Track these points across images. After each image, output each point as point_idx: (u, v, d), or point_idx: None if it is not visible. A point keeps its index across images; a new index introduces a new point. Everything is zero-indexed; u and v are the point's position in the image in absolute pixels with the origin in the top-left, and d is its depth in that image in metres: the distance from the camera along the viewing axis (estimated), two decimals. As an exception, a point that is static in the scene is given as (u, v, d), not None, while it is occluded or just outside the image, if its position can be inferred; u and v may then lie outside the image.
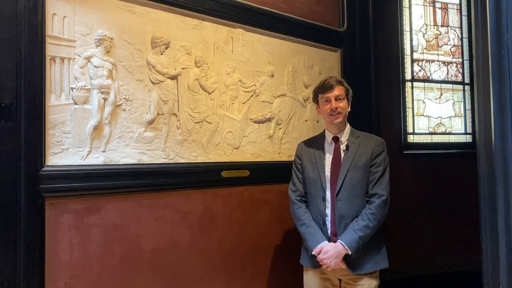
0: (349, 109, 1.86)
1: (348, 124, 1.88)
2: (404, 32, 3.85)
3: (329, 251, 1.66)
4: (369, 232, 1.67)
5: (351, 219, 1.71)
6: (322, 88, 1.81)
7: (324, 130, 1.91)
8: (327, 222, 1.76)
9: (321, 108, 1.85)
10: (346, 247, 1.65)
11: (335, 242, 1.72)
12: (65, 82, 1.63)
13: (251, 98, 2.27)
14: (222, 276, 2.08)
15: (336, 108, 1.77)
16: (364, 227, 1.66)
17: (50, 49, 1.59)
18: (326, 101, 1.80)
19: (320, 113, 1.89)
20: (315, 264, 1.76)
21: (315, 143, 1.92)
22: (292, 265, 2.01)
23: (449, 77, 4.06)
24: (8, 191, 1.46)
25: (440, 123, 4.00)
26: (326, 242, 1.72)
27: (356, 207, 1.73)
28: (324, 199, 1.77)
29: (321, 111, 1.86)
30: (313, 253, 1.71)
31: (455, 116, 4.07)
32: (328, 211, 1.76)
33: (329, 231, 1.75)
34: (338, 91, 1.79)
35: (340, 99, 1.79)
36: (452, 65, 4.08)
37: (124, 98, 1.78)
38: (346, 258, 1.69)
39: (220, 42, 2.14)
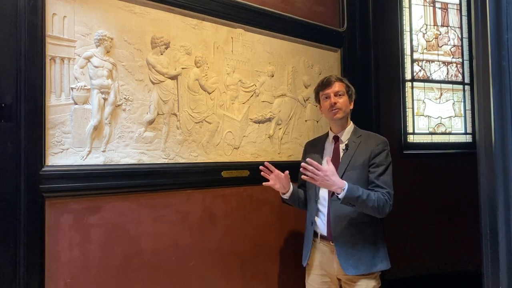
0: (352, 107, 1.85)
1: (352, 123, 1.87)
2: (404, 32, 3.85)
3: (335, 174, 1.57)
4: (367, 204, 1.59)
5: (346, 219, 1.70)
6: (322, 86, 1.82)
7: (329, 129, 1.91)
8: (322, 223, 1.77)
9: (322, 106, 1.84)
10: (345, 187, 1.56)
11: (331, 241, 1.72)
12: (65, 82, 1.63)
13: (251, 98, 2.27)
14: (222, 276, 2.08)
15: (335, 103, 1.76)
16: (368, 195, 1.59)
17: (50, 49, 1.59)
18: (326, 97, 1.80)
19: (323, 112, 1.88)
20: (310, 258, 1.79)
21: (317, 143, 1.93)
22: (293, 265, 2.01)
23: (449, 77, 4.06)
24: (8, 191, 1.46)
25: (440, 123, 4.00)
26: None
27: (352, 207, 1.72)
28: (316, 201, 1.79)
29: (322, 109, 1.85)
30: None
31: (455, 116, 4.07)
32: (325, 210, 1.76)
33: (324, 231, 1.76)
34: (337, 87, 1.78)
35: (339, 95, 1.78)
36: (452, 65, 4.09)
37: (124, 98, 1.78)
38: (345, 259, 1.68)
39: (220, 42, 2.14)
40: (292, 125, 2.47)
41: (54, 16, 1.60)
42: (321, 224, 1.78)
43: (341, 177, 1.70)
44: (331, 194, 1.72)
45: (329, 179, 1.56)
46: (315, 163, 1.56)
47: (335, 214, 1.72)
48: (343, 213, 1.70)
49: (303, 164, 1.58)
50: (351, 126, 1.85)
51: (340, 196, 1.57)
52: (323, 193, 1.78)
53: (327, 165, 1.60)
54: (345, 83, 1.82)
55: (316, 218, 1.80)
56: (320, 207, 1.79)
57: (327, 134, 1.91)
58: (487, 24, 1.13)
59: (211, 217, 2.05)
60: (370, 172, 1.73)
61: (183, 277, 1.93)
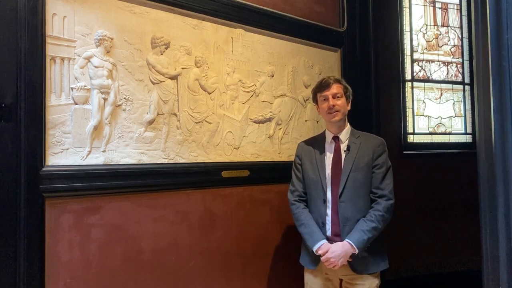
0: (349, 108, 1.86)
1: (348, 124, 1.88)
2: (404, 32, 3.85)
3: (337, 251, 1.66)
4: (376, 234, 1.68)
5: (355, 220, 1.71)
6: (320, 87, 1.82)
7: (325, 130, 1.91)
8: (326, 223, 1.76)
9: (320, 107, 1.85)
10: (354, 247, 1.65)
11: (334, 242, 1.72)
12: (65, 82, 1.63)
13: (251, 98, 2.27)
14: (222, 276, 2.08)
15: (334, 106, 1.77)
16: (373, 228, 1.67)
17: (50, 49, 1.59)
18: (324, 99, 1.81)
19: (320, 113, 1.89)
20: (316, 262, 1.77)
21: (316, 143, 1.92)
22: (293, 265, 2.01)
23: (449, 77, 4.07)
24: (8, 191, 1.46)
25: (440, 123, 4.00)
26: (325, 241, 1.72)
27: (359, 208, 1.73)
28: (324, 200, 1.77)
29: (320, 110, 1.86)
30: (319, 252, 1.70)
31: (455, 116, 4.07)
32: (329, 211, 1.76)
33: (329, 232, 1.75)
34: (335, 89, 1.79)
35: (338, 97, 1.79)
36: (452, 65, 4.09)
37: (124, 98, 1.78)
38: (355, 258, 1.69)
39: (220, 42, 2.14)
40: (292, 125, 2.47)
41: (54, 16, 1.60)
42: (326, 225, 1.78)
43: (347, 179, 1.74)
44: (339, 196, 1.73)
45: (339, 257, 1.65)
46: (324, 251, 1.68)
47: (344, 216, 1.72)
48: (351, 215, 1.72)
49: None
50: (348, 127, 1.87)
51: (356, 253, 1.66)
52: (329, 194, 1.78)
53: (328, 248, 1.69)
54: (343, 84, 1.83)
55: (326, 218, 1.79)
56: (326, 208, 1.79)
57: (323, 135, 1.91)
58: (487, 24, 1.13)
59: (211, 217, 2.05)
60: (374, 173, 1.76)
61: (183, 277, 1.93)
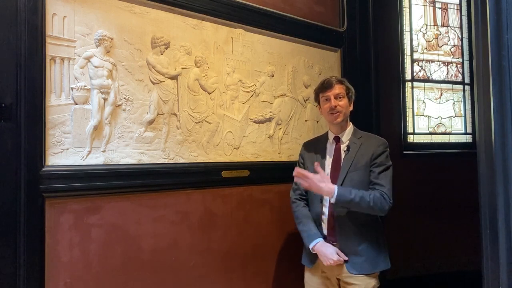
0: (351, 108, 1.86)
1: (351, 124, 1.87)
2: (404, 32, 3.85)
3: (320, 181, 1.64)
4: (361, 205, 1.63)
5: (351, 219, 1.71)
6: (322, 87, 1.82)
7: (328, 130, 1.91)
8: (323, 222, 1.78)
9: (322, 108, 1.85)
10: (334, 194, 1.61)
11: (333, 242, 1.73)
12: (65, 82, 1.63)
13: (251, 98, 2.27)
14: (222, 276, 2.08)
15: (336, 107, 1.76)
16: (361, 197, 1.63)
17: (50, 49, 1.59)
18: (326, 100, 1.80)
19: (322, 113, 1.89)
20: (313, 261, 1.78)
21: (318, 143, 1.93)
22: (293, 265, 2.01)
23: (449, 77, 4.07)
24: (8, 191, 1.46)
25: (440, 123, 4.00)
26: (321, 239, 1.74)
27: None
28: (321, 200, 1.78)
29: (322, 110, 1.86)
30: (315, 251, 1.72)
31: (455, 116, 4.07)
32: (325, 210, 1.77)
33: (325, 231, 1.76)
34: (337, 89, 1.78)
35: (340, 97, 1.78)
36: (452, 65, 4.09)
37: (124, 98, 1.78)
38: (350, 258, 1.70)
39: (220, 42, 2.14)
40: (292, 125, 2.47)
41: (54, 16, 1.60)
42: (322, 224, 1.79)
43: (344, 179, 1.74)
44: None
45: (316, 186, 1.64)
46: (301, 172, 1.67)
47: (340, 214, 1.72)
48: (346, 214, 1.71)
49: (294, 174, 1.70)
50: (351, 127, 1.86)
51: (332, 200, 1.64)
52: None
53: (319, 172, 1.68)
54: (346, 85, 1.82)
55: (322, 217, 1.80)
56: (323, 207, 1.79)
57: (326, 135, 1.92)
58: (487, 24, 1.13)
59: (211, 217, 2.05)
60: (371, 171, 1.75)
61: (183, 277, 1.93)
